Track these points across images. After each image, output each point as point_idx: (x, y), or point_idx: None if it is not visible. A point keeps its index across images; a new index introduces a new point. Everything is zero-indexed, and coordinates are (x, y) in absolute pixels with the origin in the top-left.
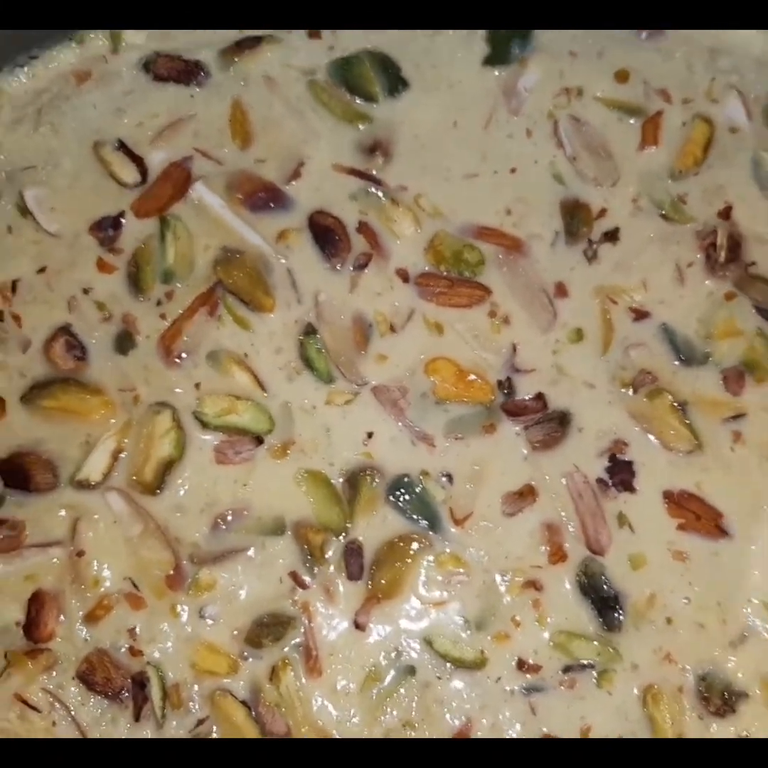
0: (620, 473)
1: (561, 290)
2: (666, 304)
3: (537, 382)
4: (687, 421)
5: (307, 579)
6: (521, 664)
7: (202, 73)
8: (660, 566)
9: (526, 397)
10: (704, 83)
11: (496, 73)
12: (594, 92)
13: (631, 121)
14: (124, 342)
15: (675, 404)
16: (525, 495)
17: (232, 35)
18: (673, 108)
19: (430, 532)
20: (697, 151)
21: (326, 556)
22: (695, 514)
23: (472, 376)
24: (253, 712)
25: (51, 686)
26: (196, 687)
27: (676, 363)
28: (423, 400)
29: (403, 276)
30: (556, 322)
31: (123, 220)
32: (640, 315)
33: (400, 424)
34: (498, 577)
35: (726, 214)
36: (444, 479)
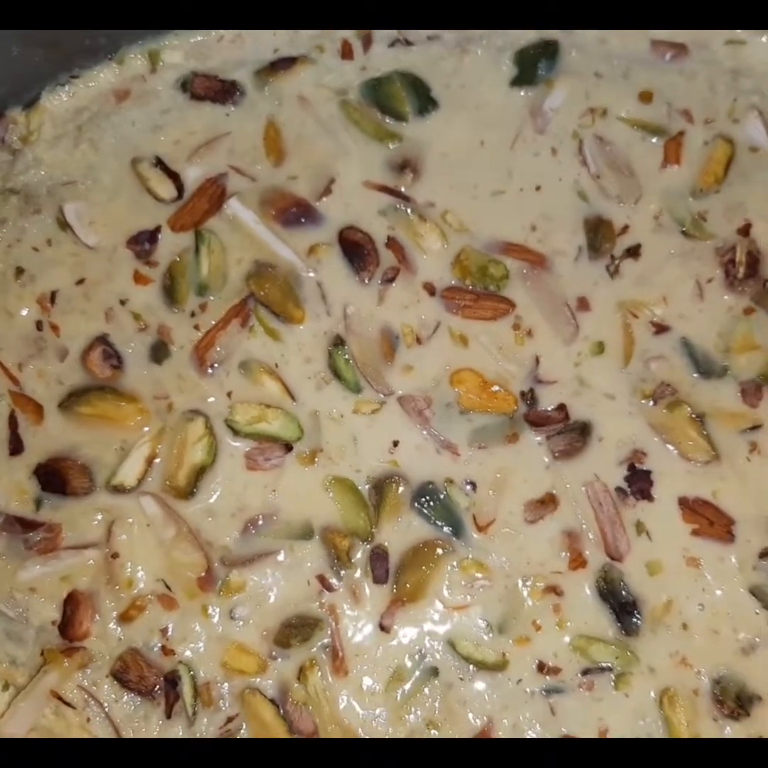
0: (639, 482)
1: (583, 304)
2: (686, 318)
3: (559, 394)
4: (705, 432)
5: (334, 582)
6: (541, 667)
7: (238, 93)
8: (676, 573)
9: (549, 408)
10: (726, 104)
11: (523, 93)
12: (618, 112)
13: (654, 141)
14: (159, 352)
15: (693, 416)
16: (546, 503)
17: (268, 56)
18: (695, 128)
19: (454, 538)
20: (718, 170)
21: (353, 560)
22: (709, 520)
23: (496, 387)
24: (281, 710)
25: (86, 683)
26: (226, 685)
27: (695, 376)
28: (448, 409)
29: (430, 290)
30: (578, 335)
31: (159, 234)
32: (660, 329)
33: (425, 432)
34: (520, 582)
35: (745, 231)
36: (468, 487)
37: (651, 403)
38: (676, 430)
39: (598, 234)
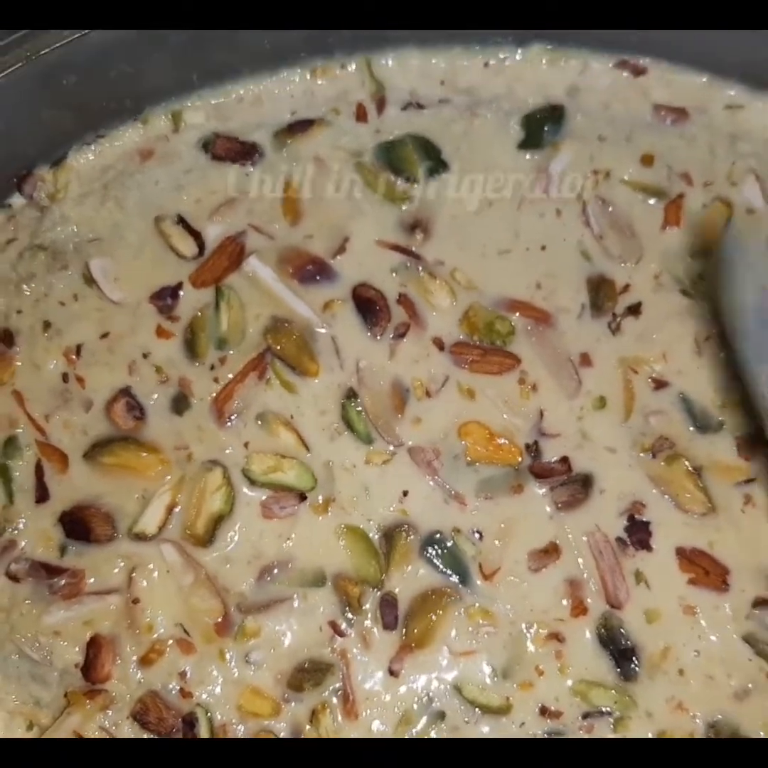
0: (638, 533)
1: (586, 360)
2: (684, 374)
3: (562, 446)
4: (701, 485)
5: (345, 628)
6: (543, 711)
7: (257, 154)
8: (673, 620)
9: (552, 460)
10: (725, 167)
11: (530, 156)
12: (621, 175)
13: (652, 202)
14: (180, 404)
15: (691, 469)
16: (549, 552)
17: (286, 117)
18: (695, 190)
19: (461, 586)
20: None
21: (363, 606)
22: (704, 569)
23: (502, 440)
24: None
25: (107, 724)
26: (241, 727)
27: (693, 430)
28: (455, 461)
29: (439, 345)
30: (581, 389)
31: (181, 291)
32: (659, 384)
33: (433, 483)
34: (523, 629)
35: None
36: (475, 535)
37: (650, 456)
38: (675, 483)
39: (600, 292)
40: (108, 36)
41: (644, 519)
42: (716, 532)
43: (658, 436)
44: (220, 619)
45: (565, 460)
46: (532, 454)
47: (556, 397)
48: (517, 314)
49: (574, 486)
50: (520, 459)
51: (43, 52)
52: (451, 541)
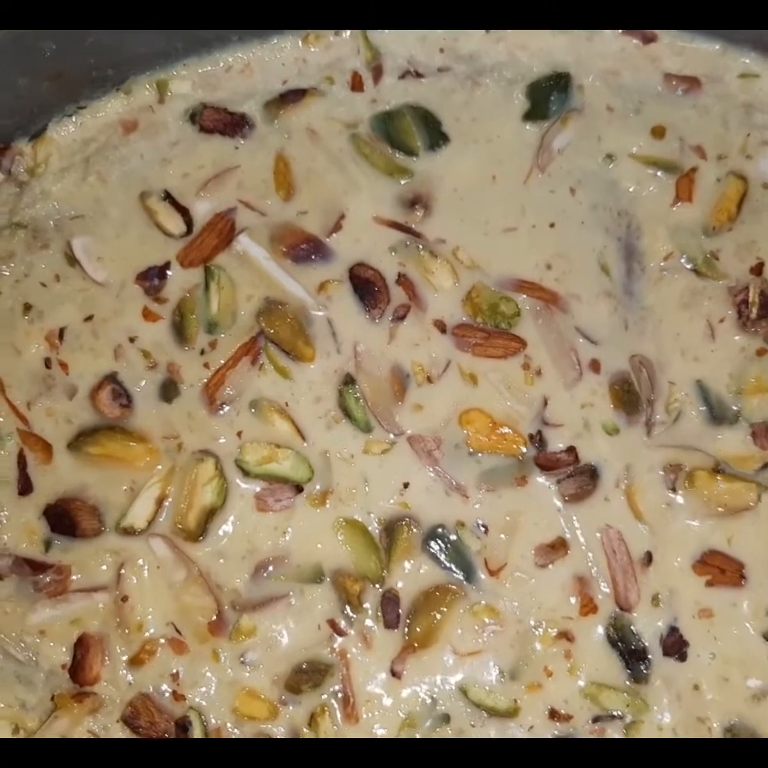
0: None
1: (595, 366)
2: (699, 360)
3: (566, 436)
4: (722, 486)
5: (344, 626)
6: (553, 714)
7: (247, 126)
8: (688, 624)
9: (558, 450)
10: (739, 139)
11: (536, 127)
12: (630, 149)
13: (662, 176)
14: (169, 390)
15: (709, 472)
16: (557, 547)
17: (277, 87)
18: (708, 164)
19: (465, 583)
20: (731, 208)
21: (364, 604)
22: (719, 568)
23: (505, 428)
24: None
25: (96, 728)
26: (236, 731)
27: (708, 422)
28: (456, 450)
29: (441, 327)
30: (581, 380)
31: (168, 270)
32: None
33: (433, 473)
34: (531, 628)
35: (758, 270)
36: (481, 529)
37: (671, 489)
38: (696, 493)
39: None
40: None
41: None
42: (735, 527)
43: (668, 462)
44: (213, 618)
45: (571, 449)
46: (536, 445)
47: (557, 384)
48: (524, 295)
49: (582, 478)
50: (524, 449)
51: None
52: (455, 535)
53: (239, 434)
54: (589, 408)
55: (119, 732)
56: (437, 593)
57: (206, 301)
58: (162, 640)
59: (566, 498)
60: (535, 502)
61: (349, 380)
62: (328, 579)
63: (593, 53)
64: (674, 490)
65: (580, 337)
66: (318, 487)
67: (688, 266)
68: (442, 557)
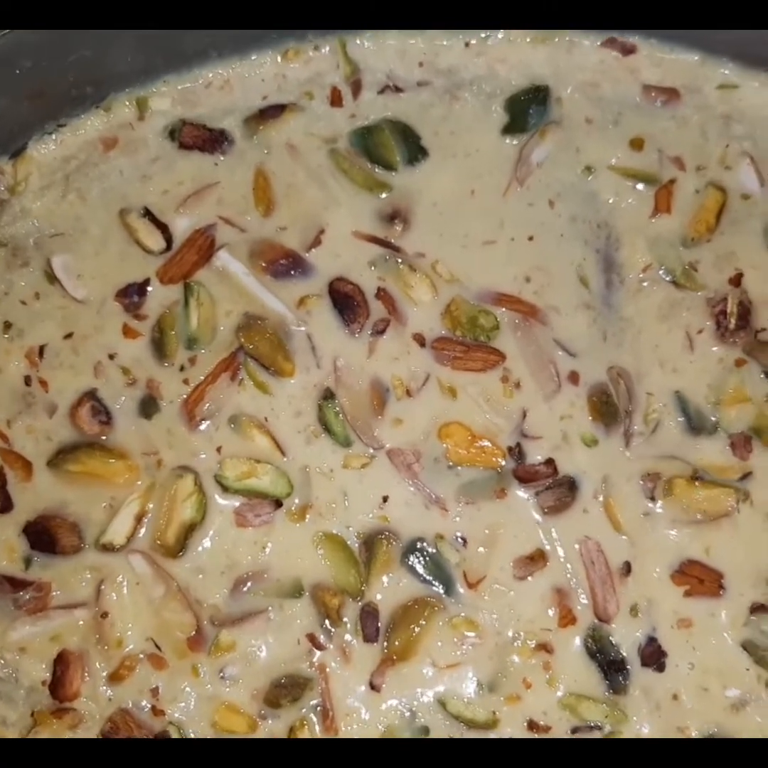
0: None
1: (574, 378)
2: (678, 371)
3: (545, 448)
4: (700, 494)
5: (323, 641)
6: (531, 725)
7: (227, 142)
8: (666, 634)
9: (537, 462)
10: (718, 150)
11: (516, 141)
12: (609, 161)
13: (641, 188)
14: (149, 406)
15: (687, 480)
16: (535, 559)
17: (256, 103)
18: (687, 175)
19: (444, 596)
20: (710, 219)
21: (343, 618)
22: (698, 578)
23: (484, 442)
24: None
25: None
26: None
27: (686, 433)
28: (436, 464)
29: (420, 341)
30: (559, 392)
31: (148, 287)
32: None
33: (413, 487)
34: (510, 640)
35: (736, 281)
36: (460, 542)
37: (650, 500)
38: (674, 501)
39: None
40: None
41: None
42: (713, 536)
43: (646, 472)
44: (192, 633)
45: (550, 462)
46: (515, 457)
47: (536, 397)
48: (503, 308)
49: (560, 490)
50: (502, 462)
51: None
52: (434, 549)
53: (219, 450)
54: (568, 420)
55: None
56: (416, 606)
57: (186, 317)
58: (141, 656)
59: (545, 510)
60: (514, 515)
61: (328, 395)
62: (307, 593)
63: (572, 65)
64: (653, 498)
65: (559, 349)
66: (297, 501)
67: (667, 278)
68: (421, 570)
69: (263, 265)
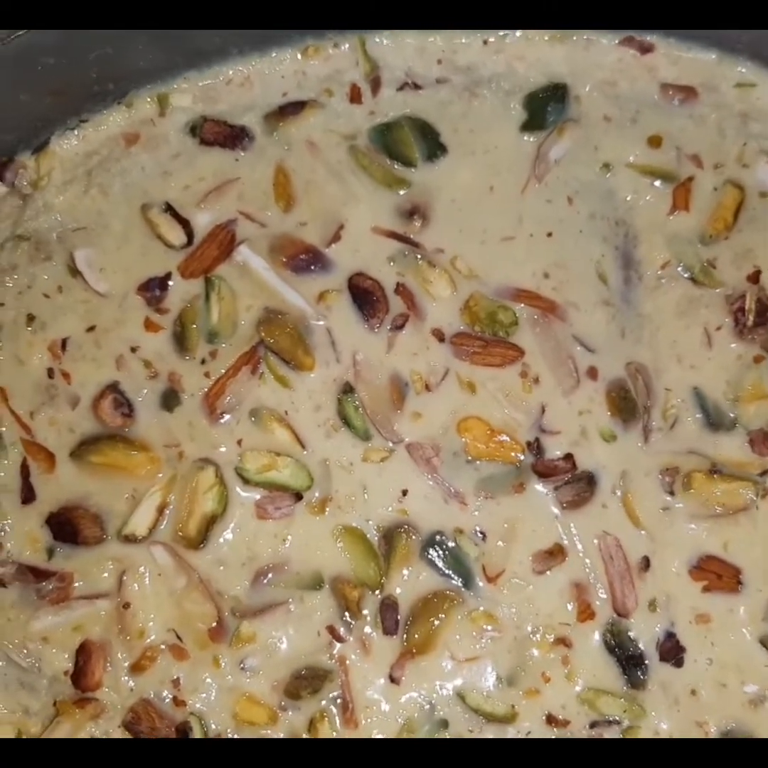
0: None
1: (593, 373)
2: (696, 368)
3: (564, 443)
4: (718, 488)
5: (343, 633)
6: (550, 719)
7: (247, 138)
8: (685, 630)
9: (556, 457)
10: (736, 148)
11: (534, 138)
12: (627, 158)
13: (659, 186)
14: (170, 399)
15: (706, 473)
16: (555, 554)
17: (276, 99)
18: (705, 173)
19: (463, 589)
20: (728, 216)
21: (363, 611)
22: (716, 574)
23: (503, 436)
24: None
25: (97, 734)
26: (236, 736)
27: (705, 428)
28: (455, 458)
29: (439, 336)
30: (578, 387)
31: (170, 281)
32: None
33: (432, 481)
34: (529, 634)
35: (754, 278)
36: (479, 536)
37: (669, 494)
38: (693, 495)
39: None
40: None
41: None
42: (732, 531)
43: (665, 467)
44: (213, 624)
45: (569, 456)
46: (534, 452)
47: (555, 392)
48: (522, 304)
49: (579, 484)
50: (521, 456)
51: (14, 35)
52: (454, 542)
53: (239, 442)
54: (587, 415)
55: (120, 737)
56: (435, 600)
57: (207, 312)
58: (163, 647)
59: (564, 505)
60: (533, 509)
61: (348, 389)
62: (327, 586)
63: (590, 63)
64: (672, 493)
65: (578, 345)
66: (317, 494)
67: (685, 275)
68: (441, 564)
69: (283, 260)
